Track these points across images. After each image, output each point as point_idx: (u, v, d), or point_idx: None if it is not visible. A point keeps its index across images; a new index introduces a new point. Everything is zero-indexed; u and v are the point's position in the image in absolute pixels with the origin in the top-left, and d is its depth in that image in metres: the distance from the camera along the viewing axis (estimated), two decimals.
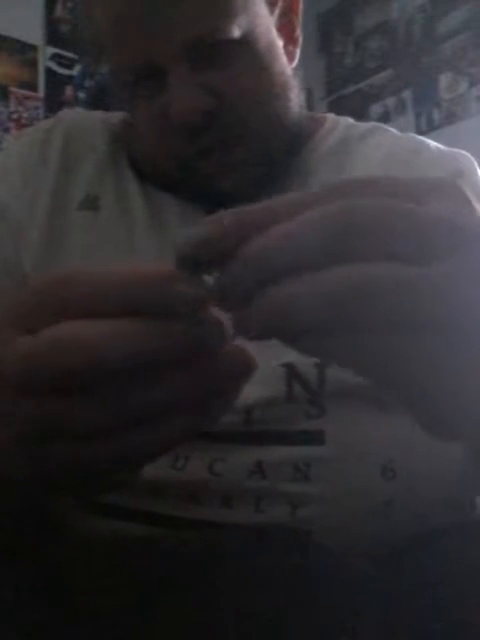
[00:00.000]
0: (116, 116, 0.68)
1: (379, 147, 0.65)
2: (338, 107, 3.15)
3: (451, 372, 0.27)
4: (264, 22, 0.58)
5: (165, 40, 0.54)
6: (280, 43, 0.61)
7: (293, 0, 0.63)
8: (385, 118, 2.96)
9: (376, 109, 3.00)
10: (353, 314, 0.25)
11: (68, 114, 0.69)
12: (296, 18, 0.64)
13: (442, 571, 0.49)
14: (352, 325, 0.26)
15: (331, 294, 0.25)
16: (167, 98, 0.55)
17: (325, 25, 3.23)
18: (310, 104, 3.13)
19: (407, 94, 2.88)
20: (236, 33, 0.54)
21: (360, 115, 3.02)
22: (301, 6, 0.64)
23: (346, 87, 3.13)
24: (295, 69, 0.63)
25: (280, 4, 0.61)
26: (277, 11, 0.61)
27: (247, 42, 0.56)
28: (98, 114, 0.71)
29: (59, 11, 2.52)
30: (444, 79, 2.75)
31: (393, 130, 0.69)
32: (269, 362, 0.54)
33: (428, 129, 2.79)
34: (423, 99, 2.82)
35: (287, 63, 0.62)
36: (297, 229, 0.26)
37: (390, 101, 2.95)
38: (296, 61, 0.64)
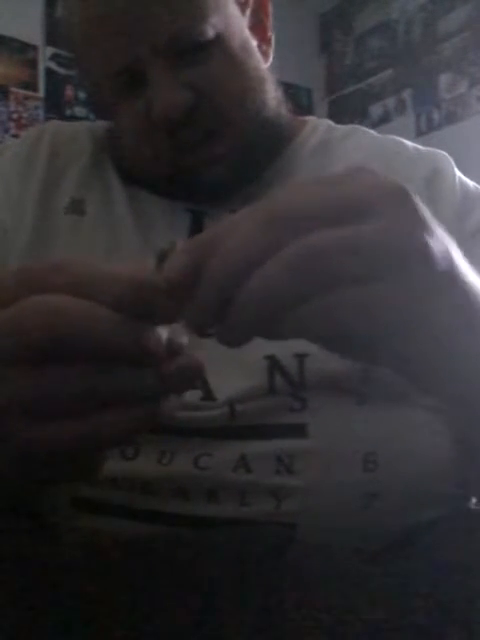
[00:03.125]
0: (101, 124, 0.70)
1: (359, 148, 0.67)
2: (338, 107, 3.16)
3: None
4: (236, 22, 0.60)
5: (142, 40, 0.55)
6: (254, 42, 0.63)
7: (262, 1, 0.66)
8: (385, 118, 2.97)
9: (376, 109, 3.00)
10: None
11: (54, 124, 0.70)
12: (266, 19, 0.66)
13: (430, 565, 0.50)
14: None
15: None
16: (147, 97, 0.57)
17: (325, 25, 3.23)
18: (310, 104, 3.13)
19: (407, 94, 2.89)
20: (210, 33, 0.56)
21: (360, 115, 3.02)
22: (270, 8, 0.67)
23: (346, 87, 3.14)
24: (273, 66, 0.65)
25: (251, 5, 0.64)
26: (248, 12, 0.63)
27: (221, 41, 0.58)
28: (84, 123, 0.73)
29: (59, 11, 2.52)
30: (444, 79, 2.75)
31: (372, 131, 0.71)
32: (251, 354, 0.54)
33: (428, 129, 2.79)
34: (423, 99, 2.82)
35: (262, 60, 0.63)
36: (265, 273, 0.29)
37: (390, 101, 2.95)
38: (270, 59, 0.66)
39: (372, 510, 0.54)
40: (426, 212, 0.32)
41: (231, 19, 0.59)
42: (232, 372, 0.54)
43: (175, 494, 0.54)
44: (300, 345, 0.53)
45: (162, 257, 0.31)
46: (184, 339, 0.33)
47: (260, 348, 0.54)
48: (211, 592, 0.45)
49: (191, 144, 0.58)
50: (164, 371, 0.31)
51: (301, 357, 0.54)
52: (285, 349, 0.54)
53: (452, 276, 0.33)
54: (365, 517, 0.54)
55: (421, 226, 0.31)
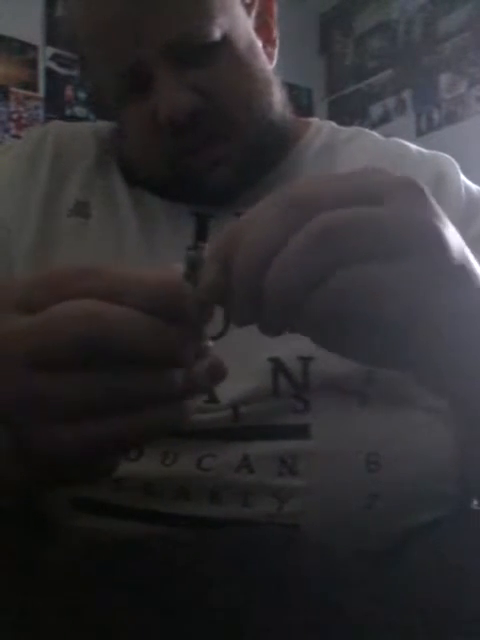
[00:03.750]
0: (105, 126, 0.69)
1: (364, 151, 0.67)
2: (338, 107, 3.16)
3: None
4: (242, 23, 0.60)
5: (149, 42, 0.55)
6: (259, 44, 0.63)
7: (268, 3, 0.65)
8: (385, 118, 2.96)
9: (376, 109, 3.00)
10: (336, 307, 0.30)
11: (57, 124, 0.70)
12: (272, 20, 0.66)
13: (431, 566, 0.50)
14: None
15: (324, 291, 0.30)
16: (154, 99, 0.56)
17: (325, 25, 3.23)
18: (310, 104, 3.13)
19: (407, 94, 2.88)
20: (217, 34, 0.56)
21: (360, 115, 3.02)
22: (276, 9, 0.66)
23: (346, 87, 3.14)
24: (280, 68, 0.65)
25: (256, 7, 0.63)
26: (254, 13, 0.63)
27: (228, 42, 0.57)
28: (87, 124, 0.72)
29: (59, 11, 2.52)
30: (444, 79, 2.75)
31: (376, 134, 0.71)
32: (256, 356, 0.55)
33: (428, 129, 2.79)
34: (423, 99, 2.82)
35: (267, 62, 0.63)
36: (287, 251, 0.30)
37: (390, 101, 2.95)
38: (275, 61, 0.65)
39: (374, 511, 0.54)
40: (438, 207, 0.32)
41: (238, 20, 0.59)
42: (236, 374, 0.54)
43: (178, 495, 0.54)
44: (305, 348, 0.54)
45: (192, 264, 0.31)
46: (208, 342, 0.33)
47: (265, 350, 0.55)
48: (212, 593, 0.45)
49: (196, 146, 0.58)
50: (193, 373, 0.32)
51: (306, 360, 0.54)
52: (290, 352, 0.54)
53: (466, 271, 0.33)
54: (367, 518, 0.54)
55: (436, 216, 0.31)
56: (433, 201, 0.32)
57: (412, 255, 0.30)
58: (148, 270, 0.31)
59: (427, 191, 0.32)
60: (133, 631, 0.43)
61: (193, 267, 0.31)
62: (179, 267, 0.32)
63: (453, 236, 0.32)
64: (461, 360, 0.34)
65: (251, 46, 0.60)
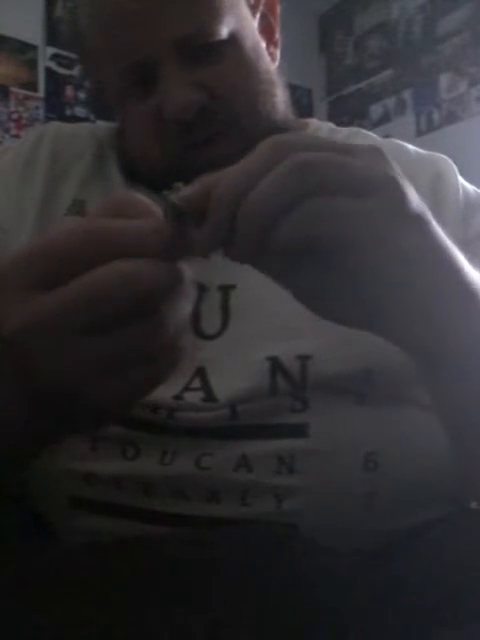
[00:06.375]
0: (103, 125, 0.70)
1: None
2: (338, 107, 3.16)
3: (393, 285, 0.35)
4: (248, 24, 0.61)
5: (156, 38, 0.55)
6: (263, 44, 0.63)
7: (272, 3, 0.66)
8: (385, 118, 2.96)
9: (376, 109, 3.00)
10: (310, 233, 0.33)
11: (54, 125, 0.70)
12: (275, 21, 0.66)
13: (430, 565, 0.50)
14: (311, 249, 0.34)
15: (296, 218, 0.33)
16: (158, 95, 0.57)
17: (325, 25, 3.23)
18: (310, 104, 3.13)
19: (407, 94, 2.88)
20: (224, 32, 0.57)
21: (360, 115, 3.02)
22: (279, 10, 0.67)
23: (346, 87, 3.14)
24: (280, 68, 0.66)
25: (260, 8, 0.64)
26: (258, 14, 0.63)
27: (234, 41, 0.58)
28: (85, 125, 0.73)
29: (59, 11, 2.53)
30: (444, 79, 2.75)
31: (373, 134, 0.71)
32: (254, 355, 0.55)
33: (428, 129, 2.79)
34: (423, 99, 2.82)
35: (271, 62, 0.64)
36: (266, 182, 0.33)
37: (390, 101, 2.95)
38: (277, 61, 0.66)
39: (372, 510, 0.54)
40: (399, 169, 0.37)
41: (244, 21, 0.60)
42: (234, 373, 0.54)
43: (176, 494, 0.54)
44: (303, 347, 0.54)
45: (172, 209, 0.34)
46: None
47: (262, 349, 0.55)
48: (211, 592, 0.45)
49: (200, 143, 0.58)
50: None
51: (304, 359, 0.54)
52: (288, 351, 0.54)
53: (423, 220, 0.37)
54: (365, 517, 0.54)
55: (396, 171, 0.36)
56: (395, 164, 0.36)
57: (376, 196, 0.34)
58: (135, 222, 0.33)
59: (390, 157, 0.37)
60: (133, 631, 0.43)
61: (171, 209, 0.34)
62: (147, 203, 0.34)
63: (412, 191, 0.37)
64: (410, 303, 0.37)
65: (256, 46, 0.61)
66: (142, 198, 0.35)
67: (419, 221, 0.36)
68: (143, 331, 0.33)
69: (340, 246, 0.34)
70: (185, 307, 0.34)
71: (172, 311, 0.34)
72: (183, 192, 0.34)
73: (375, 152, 0.36)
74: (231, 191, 0.34)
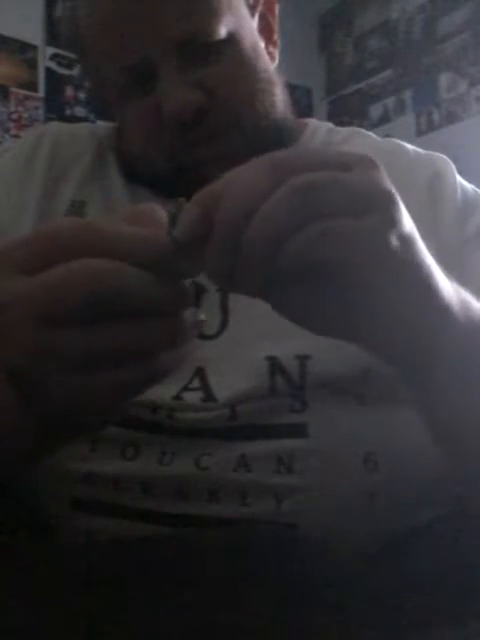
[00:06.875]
0: (103, 125, 0.70)
1: (361, 150, 0.66)
2: (338, 107, 3.16)
3: (388, 301, 0.36)
4: (247, 23, 0.61)
5: (155, 38, 0.55)
6: (262, 44, 0.63)
7: (270, 3, 0.66)
8: (385, 118, 2.97)
9: (376, 109, 3.00)
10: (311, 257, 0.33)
11: (54, 125, 0.70)
12: (273, 21, 0.66)
13: (429, 565, 0.50)
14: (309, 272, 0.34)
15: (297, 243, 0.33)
16: (158, 96, 0.57)
17: (325, 25, 3.23)
18: (310, 104, 3.13)
19: (407, 94, 2.89)
20: (223, 32, 0.57)
21: (360, 115, 3.02)
22: (277, 9, 0.67)
23: (346, 87, 3.14)
24: (280, 68, 0.66)
25: (259, 8, 0.64)
26: (257, 14, 0.63)
27: (233, 41, 0.58)
28: (85, 125, 0.73)
29: (59, 11, 2.53)
30: (444, 79, 2.76)
31: (372, 134, 0.71)
32: (253, 355, 0.55)
33: (428, 129, 2.79)
34: (423, 99, 2.82)
35: (270, 62, 0.64)
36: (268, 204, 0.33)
37: (390, 101, 2.95)
38: (276, 61, 0.66)
39: (372, 510, 0.54)
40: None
41: (243, 20, 0.60)
42: (233, 373, 0.54)
43: (175, 494, 0.54)
44: (302, 347, 0.54)
45: (173, 219, 0.34)
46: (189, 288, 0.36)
47: (262, 350, 0.55)
48: (211, 592, 0.45)
49: (199, 143, 0.58)
50: (186, 319, 0.35)
51: (303, 359, 0.54)
52: (287, 351, 0.54)
53: (412, 239, 0.37)
54: (365, 517, 0.54)
55: (391, 186, 0.36)
56: (386, 174, 0.37)
57: (374, 213, 0.34)
58: (137, 229, 0.33)
59: (382, 166, 0.37)
60: (133, 630, 0.43)
61: (174, 222, 0.34)
62: (163, 215, 0.34)
63: (404, 208, 0.37)
64: (398, 319, 0.37)
65: (255, 46, 0.61)
66: (160, 212, 0.35)
67: (410, 239, 0.37)
68: (124, 332, 0.33)
69: (340, 266, 0.34)
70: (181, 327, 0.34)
71: (161, 318, 0.33)
72: (184, 223, 0.34)
73: (369, 163, 0.36)
74: (233, 218, 0.33)
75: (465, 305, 0.42)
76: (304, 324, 0.39)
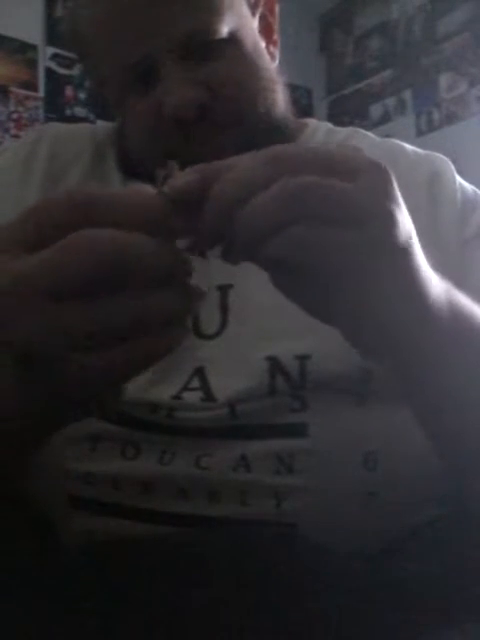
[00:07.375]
0: (102, 125, 0.70)
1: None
2: (338, 107, 3.16)
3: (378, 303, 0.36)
4: (248, 23, 0.61)
5: (157, 36, 0.55)
6: (263, 44, 0.64)
7: (271, 3, 0.66)
8: (385, 118, 2.97)
9: (376, 109, 3.00)
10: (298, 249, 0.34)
11: (53, 126, 0.71)
12: (274, 21, 0.67)
13: (429, 565, 0.50)
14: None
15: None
16: (159, 94, 0.57)
17: (325, 25, 3.23)
18: (310, 104, 3.13)
19: (407, 94, 2.89)
20: (224, 31, 0.57)
21: (360, 115, 3.02)
22: (278, 9, 0.67)
23: (346, 87, 3.14)
24: (280, 68, 0.66)
25: (260, 7, 0.64)
26: (258, 14, 0.64)
27: (234, 40, 0.58)
28: (84, 125, 0.73)
29: (59, 11, 2.53)
30: (444, 79, 2.76)
31: (371, 134, 0.71)
32: (253, 355, 0.55)
33: (428, 129, 2.79)
34: (423, 99, 2.82)
35: (270, 61, 0.64)
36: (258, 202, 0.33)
37: (390, 101, 2.95)
38: (277, 61, 0.66)
39: (372, 509, 0.54)
40: (399, 194, 0.37)
41: (244, 19, 0.60)
42: (233, 373, 0.54)
43: (175, 494, 0.54)
44: (302, 347, 0.54)
45: (164, 180, 0.34)
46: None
47: (261, 349, 0.55)
48: (211, 592, 0.45)
49: (200, 141, 0.58)
50: (191, 286, 0.35)
51: (303, 359, 0.54)
52: (287, 351, 0.54)
53: (408, 254, 0.37)
54: (365, 517, 0.54)
55: (395, 201, 0.36)
56: (395, 185, 0.36)
57: (361, 228, 0.34)
58: (125, 193, 0.34)
59: (393, 176, 0.36)
60: (132, 630, 0.43)
61: (164, 183, 0.34)
62: (151, 191, 0.35)
63: (404, 221, 0.36)
64: (385, 328, 0.38)
65: (256, 45, 0.61)
66: (147, 189, 0.35)
67: (403, 254, 0.37)
68: (129, 303, 0.32)
69: (316, 272, 0.35)
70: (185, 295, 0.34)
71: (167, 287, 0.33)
72: (181, 181, 0.34)
73: (377, 171, 0.36)
74: (229, 198, 0.34)
75: (455, 308, 0.42)
76: (301, 306, 0.39)
